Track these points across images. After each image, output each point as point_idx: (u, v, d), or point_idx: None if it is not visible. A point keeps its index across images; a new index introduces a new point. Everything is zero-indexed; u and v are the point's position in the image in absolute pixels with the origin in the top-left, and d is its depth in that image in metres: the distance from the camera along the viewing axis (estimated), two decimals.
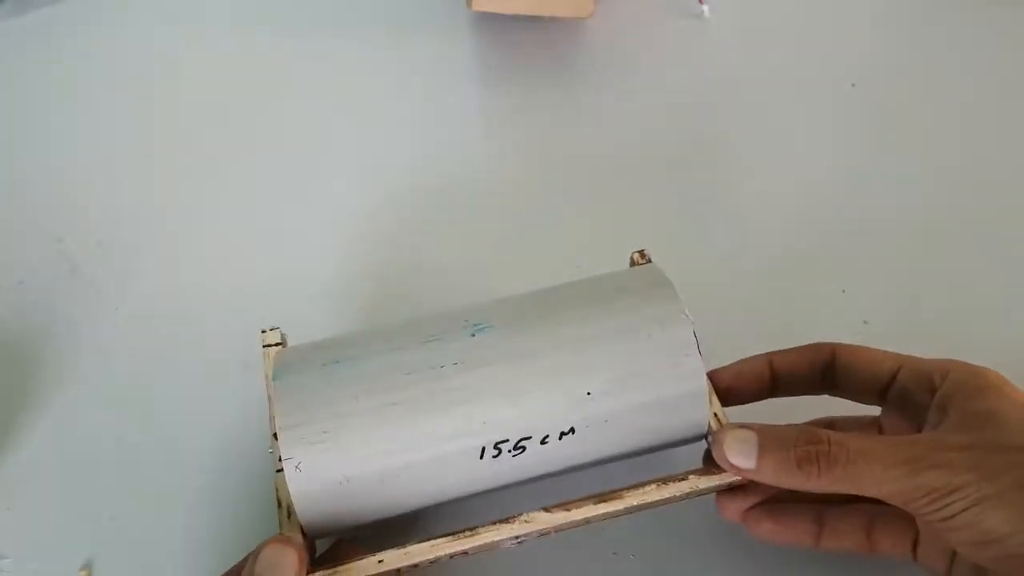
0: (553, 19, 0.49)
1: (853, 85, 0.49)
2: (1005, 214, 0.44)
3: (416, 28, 0.52)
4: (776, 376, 0.33)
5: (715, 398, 0.32)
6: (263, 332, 0.33)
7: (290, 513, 0.30)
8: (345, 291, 0.42)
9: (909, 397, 0.31)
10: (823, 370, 0.33)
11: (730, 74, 0.50)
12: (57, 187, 0.46)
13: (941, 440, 0.28)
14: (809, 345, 0.33)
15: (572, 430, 0.29)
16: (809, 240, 0.43)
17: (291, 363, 0.30)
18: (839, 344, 0.33)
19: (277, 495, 0.30)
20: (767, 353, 0.33)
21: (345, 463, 0.28)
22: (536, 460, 0.30)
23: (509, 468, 0.30)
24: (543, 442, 0.29)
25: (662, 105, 0.49)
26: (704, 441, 0.31)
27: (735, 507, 0.32)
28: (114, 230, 0.45)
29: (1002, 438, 0.27)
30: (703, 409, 0.30)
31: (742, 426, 0.29)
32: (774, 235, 0.44)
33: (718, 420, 0.31)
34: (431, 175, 0.46)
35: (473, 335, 0.30)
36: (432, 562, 0.29)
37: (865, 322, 0.40)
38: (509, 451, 0.29)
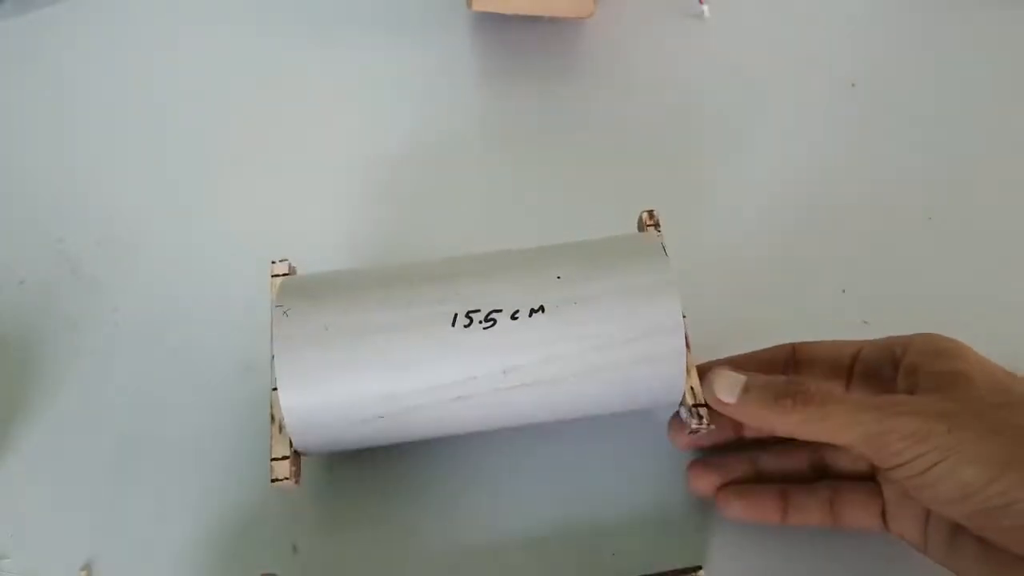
0: (553, 19, 0.49)
1: (853, 85, 0.49)
2: (1005, 214, 0.44)
3: (416, 28, 0.52)
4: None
5: (694, 372, 0.32)
6: (272, 263, 0.35)
7: (281, 428, 0.32)
8: None
9: (874, 372, 0.32)
10: (784, 367, 0.34)
11: (730, 74, 0.50)
12: (57, 187, 0.46)
13: (912, 396, 0.29)
14: (769, 347, 0.34)
15: (542, 308, 0.31)
16: (809, 240, 0.43)
17: (296, 279, 0.34)
18: (796, 342, 0.34)
19: (271, 411, 0.32)
20: (727, 358, 0.34)
21: (326, 314, 0.31)
22: (507, 339, 0.31)
23: (481, 347, 0.31)
24: (513, 317, 0.31)
25: (662, 105, 0.49)
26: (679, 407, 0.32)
27: (706, 481, 0.33)
28: (114, 230, 0.45)
29: (971, 394, 0.28)
30: (675, 308, 0.31)
31: (734, 370, 0.31)
32: (774, 235, 0.44)
33: (693, 393, 0.32)
34: (431, 175, 0.46)
35: (466, 256, 0.34)
36: None
37: (865, 322, 0.40)
38: (480, 321, 0.31)
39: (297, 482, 0.32)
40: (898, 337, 0.32)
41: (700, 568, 0.33)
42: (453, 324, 0.31)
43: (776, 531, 0.34)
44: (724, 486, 0.33)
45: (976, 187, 0.45)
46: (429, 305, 0.31)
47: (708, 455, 0.35)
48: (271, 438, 0.32)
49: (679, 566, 0.33)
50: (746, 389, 0.30)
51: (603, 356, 0.31)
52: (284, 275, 0.34)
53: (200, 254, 0.43)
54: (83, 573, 0.35)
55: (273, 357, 0.31)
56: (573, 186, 0.46)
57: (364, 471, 0.37)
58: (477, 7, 0.46)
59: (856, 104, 0.48)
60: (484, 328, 0.31)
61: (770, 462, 0.34)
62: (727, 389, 0.30)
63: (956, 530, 0.29)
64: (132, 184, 0.46)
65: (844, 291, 0.41)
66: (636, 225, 0.37)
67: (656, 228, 0.35)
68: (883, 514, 0.32)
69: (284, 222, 0.45)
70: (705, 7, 0.52)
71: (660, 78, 0.50)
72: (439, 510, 0.36)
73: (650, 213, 0.36)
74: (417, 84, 0.50)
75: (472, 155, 0.47)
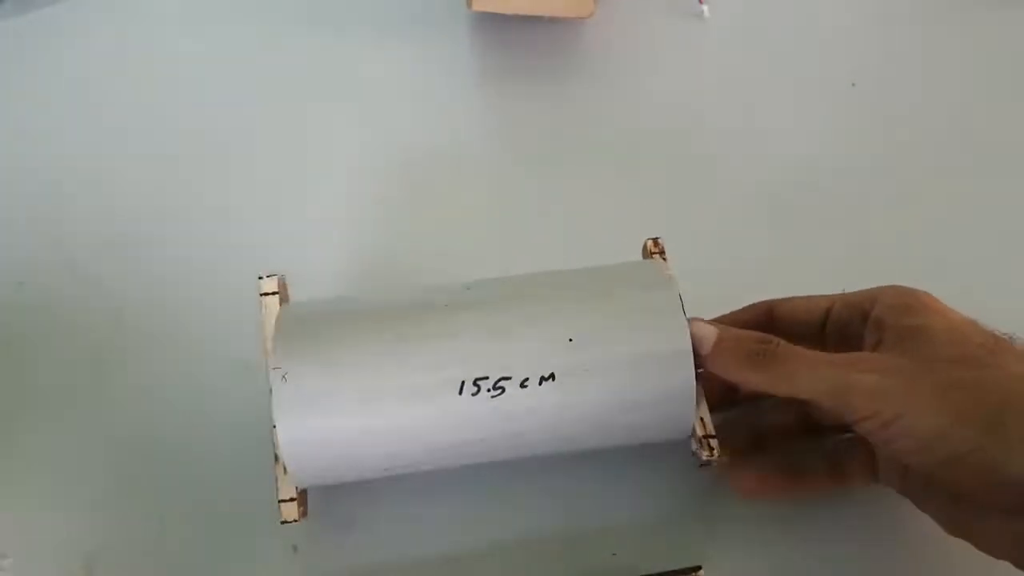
0: (553, 19, 0.49)
1: (853, 85, 0.49)
2: (1005, 214, 0.44)
3: (416, 28, 0.52)
4: None
5: (703, 402, 0.32)
6: (260, 278, 0.33)
7: (286, 469, 0.31)
8: (346, 293, 0.42)
9: (845, 327, 0.32)
10: (761, 324, 0.34)
11: (730, 74, 0.50)
12: (57, 187, 0.46)
13: (873, 354, 0.30)
14: (747, 307, 0.35)
15: (552, 376, 0.30)
16: (809, 239, 0.43)
17: (293, 314, 0.32)
18: (773, 300, 0.35)
19: (275, 451, 0.31)
20: (715, 319, 0.35)
21: (328, 378, 0.30)
22: (515, 406, 0.30)
23: (488, 413, 0.30)
24: (523, 385, 0.30)
25: (662, 105, 0.49)
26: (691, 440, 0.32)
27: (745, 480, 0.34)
28: (114, 230, 0.45)
29: (928, 350, 0.29)
30: (688, 369, 0.30)
31: (708, 323, 0.31)
32: (774, 235, 0.44)
33: (703, 424, 0.31)
34: (431, 174, 0.46)
35: (468, 288, 0.32)
36: None
37: None
38: (488, 389, 0.29)
39: (305, 516, 0.32)
40: (867, 291, 0.32)
41: (700, 568, 0.33)
42: (460, 392, 0.30)
43: (775, 531, 0.34)
44: (735, 465, 0.34)
45: (976, 187, 0.45)
46: (435, 371, 0.30)
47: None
48: (276, 479, 0.31)
49: (679, 566, 0.33)
50: (718, 342, 0.31)
51: (613, 418, 0.31)
52: (274, 293, 0.33)
53: (200, 254, 0.43)
54: (82, 573, 0.35)
55: (273, 426, 0.30)
56: (573, 186, 0.46)
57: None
58: (477, 7, 0.46)
59: (856, 104, 0.48)
60: (492, 396, 0.30)
61: (765, 416, 0.35)
62: (700, 341, 0.31)
63: (929, 479, 0.30)
64: (132, 184, 0.46)
65: (844, 291, 0.41)
66: (641, 246, 0.36)
67: (662, 256, 0.34)
68: (873, 467, 0.33)
69: (284, 222, 0.45)
70: (705, 7, 0.52)
71: (660, 78, 0.50)
72: (439, 510, 0.36)
73: (655, 241, 0.35)
74: (417, 84, 0.50)
75: (472, 155, 0.47)
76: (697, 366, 0.31)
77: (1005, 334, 0.30)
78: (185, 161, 0.47)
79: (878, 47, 0.51)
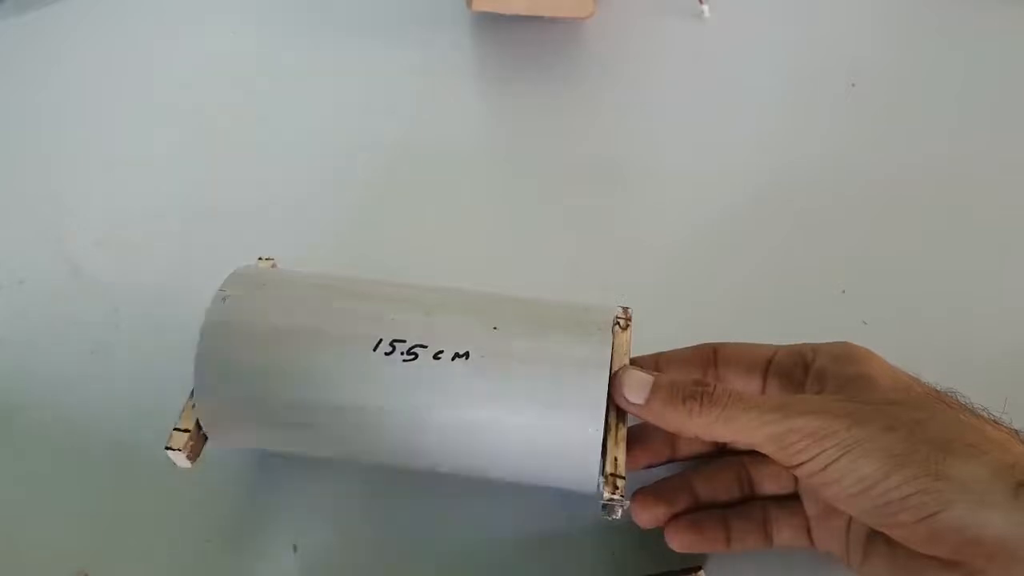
0: (553, 19, 0.49)
1: (853, 85, 0.49)
2: (1005, 214, 0.44)
3: (416, 28, 0.52)
4: (660, 370, 0.34)
5: (622, 446, 0.30)
6: (259, 259, 0.36)
7: (194, 405, 0.32)
8: None
9: (787, 375, 0.32)
10: (705, 366, 0.34)
11: (730, 74, 0.50)
12: (57, 187, 0.46)
13: (815, 396, 0.30)
14: (692, 346, 0.35)
15: (467, 355, 0.30)
16: (809, 240, 0.43)
17: (254, 268, 0.34)
18: (717, 343, 0.34)
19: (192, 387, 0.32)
20: (652, 354, 0.35)
21: (261, 310, 0.31)
22: (424, 376, 0.29)
23: (396, 376, 0.30)
24: (436, 356, 0.30)
25: (662, 105, 0.49)
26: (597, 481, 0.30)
27: (652, 514, 0.33)
28: (114, 230, 0.45)
29: (871, 394, 0.29)
30: (600, 389, 0.29)
31: (641, 369, 0.31)
32: (774, 234, 0.44)
33: (615, 464, 0.30)
34: (430, 174, 0.46)
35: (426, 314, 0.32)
36: None
37: (865, 322, 0.40)
38: (402, 353, 0.30)
39: (191, 460, 0.32)
40: (809, 344, 0.32)
41: (700, 568, 0.33)
42: (375, 349, 0.30)
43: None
44: (672, 519, 0.33)
45: (976, 187, 0.45)
46: (358, 324, 0.30)
47: (648, 484, 0.35)
48: (183, 408, 0.32)
49: (679, 566, 0.33)
50: (654, 389, 0.30)
51: (515, 417, 0.30)
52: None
53: (200, 254, 0.43)
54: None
55: (199, 339, 0.31)
56: (572, 186, 0.46)
57: (364, 471, 0.37)
58: (477, 7, 0.46)
59: (856, 104, 0.48)
60: (404, 360, 0.30)
61: (705, 489, 0.34)
62: (635, 390, 0.30)
63: (870, 536, 0.30)
64: (132, 184, 0.46)
65: (844, 291, 0.41)
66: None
67: (623, 326, 0.32)
68: (808, 532, 0.32)
69: (283, 222, 0.45)
70: (705, 7, 0.52)
71: (660, 78, 0.50)
72: (439, 510, 0.36)
73: (624, 309, 0.33)
74: (417, 84, 0.50)
75: (471, 155, 0.47)
76: (616, 415, 0.30)
77: (947, 390, 0.30)
78: (185, 161, 0.47)
79: (878, 47, 0.51)
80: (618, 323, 0.32)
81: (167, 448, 0.31)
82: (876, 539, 0.29)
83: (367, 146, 0.47)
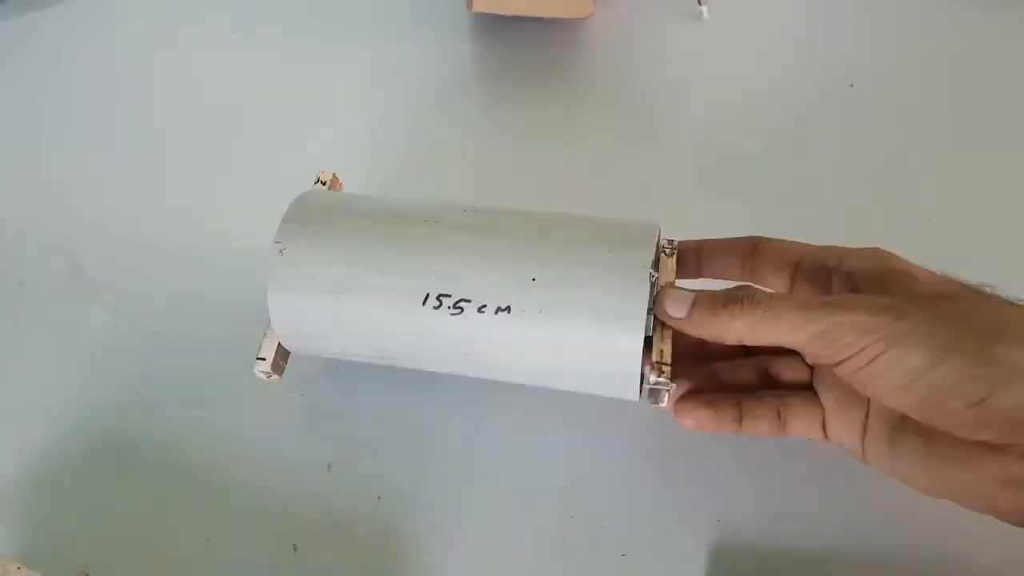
0: (553, 19, 0.49)
1: (852, 85, 0.49)
2: (1005, 214, 0.44)
3: (416, 28, 0.52)
4: (702, 256, 0.35)
5: (668, 342, 0.31)
6: (321, 171, 0.39)
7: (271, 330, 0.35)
8: None
9: (811, 276, 0.32)
10: (743, 256, 0.34)
11: (729, 74, 0.50)
12: (57, 187, 0.46)
13: (858, 295, 0.30)
14: (736, 237, 0.35)
15: (509, 308, 0.31)
16: (808, 240, 0.43)
17: (318, 191, 0.37)
18: (761, 237, 0.34)
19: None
20: (699, 240, 0.35)
21: (317, 260, 0.33)
22: (472, 328, 0.32)
23: (444, 328, 0.32)
24: (480, 310, 0.31)
25: (661, 105, 0.49)
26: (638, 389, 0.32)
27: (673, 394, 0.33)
28: (114, 230, 0.45)
29: (913, 288, 0.29)
30: (637, 338, 0.30)
31: (685, 290, 0.31)
32: (773, 234, 0.44)
33: (662, 353, 0.31)
34: (430, 174, 0.46)
35: (464, 211, 0.34)
36: None
37: None
38: (449, 307, 0.32)
39: (279, 375, 0.35)
40: (836, 247, 0.32)
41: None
42: (424, 303, 0.32)
43: (778, 540, 0.34)
44: (685, 396, 0.33)
45: (976, 187, 0.45)
46: (406, 278, 0.32)
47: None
48: (263, 337, 0.35)
49: None
50: (695, 302, 0.30)
51: (560, 361, 0.32)
52: (323, 183, 0.38)
53: (200, 254, 0.43)
54: None
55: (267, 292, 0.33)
56: (572, 186, 0.46)
57: (363, 471, 0.37)
58: (477, 7, 0.46)
59: (856, 104, 0.48)
60: (451, 314, 0.31)
61: (725, 373, 0.35)
62: (677, 305, 0.30)
63: (897, 430, 0.30)
64: (131, 184, 0.46)
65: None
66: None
67: (668, 254, 0.34)
68: (823, 424, 0.32)
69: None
70: (705, 7, 0.52)
71: (659, 78, 0.50)
72: (438, 510, 0.36)
73: (669, 242, 0.35)
74: (417, 84, 0.50)
75: (472, 155, 0.47)
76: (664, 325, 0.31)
77: (980, 283, 0.30)
78: (185, 160, 0.47)
79: (878, 47, 0.51)
80: (664, 251, 0.34)
81: (258, 359, 0.35)
82: (905, 432, 0.29)
83: (365, 146, 0.47)
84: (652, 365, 0.31)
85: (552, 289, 0.31)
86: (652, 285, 0.31)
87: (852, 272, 0.31)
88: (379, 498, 0.36)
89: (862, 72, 0.49)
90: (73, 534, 0.36)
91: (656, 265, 0.32)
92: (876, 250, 0.32)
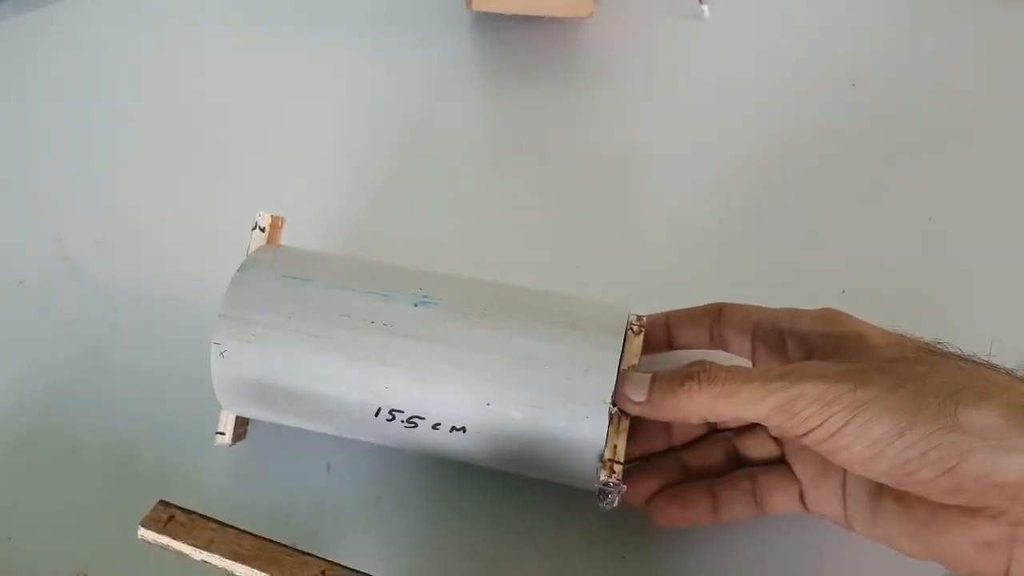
0: (553, 19, 0.49)
1: (853, 85, 0.49)
2: (1005, 214, 0.44)
3: (416, 28, 0.52)
4: (670, 327, 0.35)
5: (623, 436, 0.30)
6: (260, 214, 0.36)
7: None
8: None
9: (766, 339, 0.32)
10: (711, 323, 0.34)
11: (730, 74, 0.50)
12: (57, 187, 0.46)
13: (814, 362, 0.29)
14: (701, 306, 0.35)
15: (464, 429, 0.31)
16: (809, 240, 0.43)
17: (261, 260, 0.34)
18: (726, 302, 0.34)
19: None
20: (665, 312, 0.35)
21: (260, 369, 0.32)
22: (427, 440, 0.32)
23: (402, 435, 0.32)
24: (435, 427, 0.31)
25: (661, 105, 0.49)
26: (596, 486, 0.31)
27: (639, 488, 0.33)
28: (114, 230, 0.45)
29: (869, 353, 0.29)
30: (594, 460, 0.30)
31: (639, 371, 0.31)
32: (774, 234, 0.44)
33: (614, 450, 0.30)
34: (430, 175, 0.46)
35: (415, 305, 0.32)
36: None
37: None
38: (402, 421, 0.31)
39: (241, 438, 0.36)
40: (789, 309, 0.32)
41: None
42: (376, 415, 0.31)
43: (784, 538, 0.34)
44: (656, 493, 0.33)
45: (976, 187, 0.45)
46: (358, 392, 0.31)
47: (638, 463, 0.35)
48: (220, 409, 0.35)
49: None
50: (652, 381, 0.30)
51: (518, 466, 0.32)
52: (262, 229, 0.36)
53: (200, 254, 0.43)
54: None
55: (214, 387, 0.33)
56: (571, 186, 0.46)
57: (364, 473, 0.37)
58: (477, 7, 0.46)
59: (856, 104, 0.48)
60: (405, 427, 0.31)
61: (694, 460, 0.34)
62: (636, 388, 0.30)
63: (875, 495, 0.29)
64: (132, 184, 0.46)
65: (844, 291, 0.41)
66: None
67: (635, 331, 0.32)
68: (801, 496, 0.32)
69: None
70: (705, 7, 0.52)
71: (660, 78, 0.50)
72: (438, 511, 0.36)
73: (638, 317, 0.33)
74: (416, 84, 0.50)
75: (471, 155, 0.47)
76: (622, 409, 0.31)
77: (934, 341, 0.30)
78: (185, 160, 0.47)
79: (878, 47, 0.51)
80: (632, 328, 0.32)
81: (217, 433, 0.35)
82: (882, 497, 0.29)
83: (367, 146, 0.47)
84: (604, 463, 0.30)
85: (508, 410, 0.30)
86: (611, 417, 0.30)
87: (806, 335, 0.30)
88: (379, 498, 0.36)
89: (864, 72, 0.49)
90: (73, 534, 0.36)
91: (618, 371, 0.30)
92: (828, 311, 0.31)
